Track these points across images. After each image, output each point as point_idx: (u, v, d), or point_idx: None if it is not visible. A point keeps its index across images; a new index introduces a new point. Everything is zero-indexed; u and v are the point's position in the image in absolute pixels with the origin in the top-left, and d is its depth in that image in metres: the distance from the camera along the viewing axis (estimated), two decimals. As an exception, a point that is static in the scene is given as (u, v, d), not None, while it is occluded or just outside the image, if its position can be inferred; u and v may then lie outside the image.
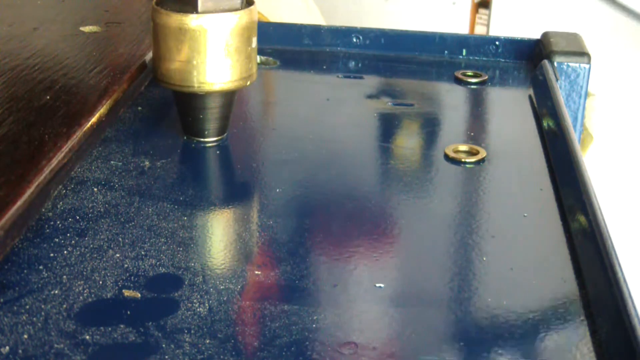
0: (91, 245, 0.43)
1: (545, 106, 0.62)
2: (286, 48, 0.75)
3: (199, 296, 0.40)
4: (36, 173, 0.45)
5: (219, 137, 0.56)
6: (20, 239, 0.43)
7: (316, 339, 0.37)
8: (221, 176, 0.55)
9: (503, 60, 0.74)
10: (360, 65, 0.73)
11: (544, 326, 0.38)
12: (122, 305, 0.39)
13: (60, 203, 0.47)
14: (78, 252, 0.43)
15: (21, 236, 0.43)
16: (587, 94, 0.68)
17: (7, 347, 0.35)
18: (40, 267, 0.41)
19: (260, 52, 0.71)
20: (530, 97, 0.67)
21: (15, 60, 0.61)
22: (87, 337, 0.36)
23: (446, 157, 0.55)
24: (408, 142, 0.59)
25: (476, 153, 0.55)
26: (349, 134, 0.59)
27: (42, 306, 0.38)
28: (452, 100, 0.68)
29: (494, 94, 0.69)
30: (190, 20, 0.52)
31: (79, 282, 0.40)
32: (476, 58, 0.74)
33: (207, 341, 0.36)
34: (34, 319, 0.37)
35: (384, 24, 0.81)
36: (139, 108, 0.61)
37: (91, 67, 0.60)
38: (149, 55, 0.63)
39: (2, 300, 0.39)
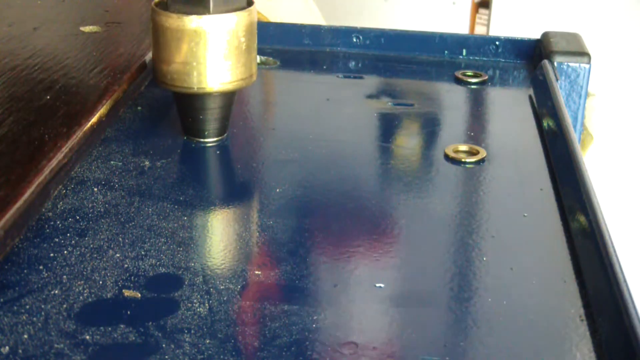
0: (91, 245, 0.43)
1: (545, 106, 0.62)
2: (286, 48, 0.75)
3: (199, 296, 0.40)
4: (36, 173, 0.45)
5: (219, 137, 0.56)
6: (20, 239, 0.43)
7: (316, 339, 0.37)
8: (221, 176, 0.55)
9: (503, 60, 0.74)
10: (360, 65, 0.73)
11: (544, 326, 0.38)
12: (122, 305, 0.39)
13: (60, 203, 0.47)
14: (78, 252, 0.43)
15: (21, 236, 0.43)
16: (587, 94, 0.68)
17: (7, 347, 0.35)
18: (40, 267, 0.41)
19: (260, 52, 0.71)
20: (530, 97, 0.67)
21: (15, 60, 0.61)
22: (87, 337, 0.36)
23: (446, 157, 0.55)
24: (408, 142, 0.59)
25: (476, 153, 0.55)
26: (349, 134, 0.59)
27: (42, 306, 0.38)
28: (452, 100, 0.68)
29: (494, 94, 0.69)
30: (190, 22, 0.52)
31: (79, 282, 0.40)
32: (476, 58, 0.74)
33: (207, 341, 0.36)
34: (34, 319, 0.37)
35: (384, 24, 0.81)
36: (139, 108, 0.61)
37: (91, 67, 0.60)
38: (149, 55, 0.63)
39: (2, 300, 0.39)
